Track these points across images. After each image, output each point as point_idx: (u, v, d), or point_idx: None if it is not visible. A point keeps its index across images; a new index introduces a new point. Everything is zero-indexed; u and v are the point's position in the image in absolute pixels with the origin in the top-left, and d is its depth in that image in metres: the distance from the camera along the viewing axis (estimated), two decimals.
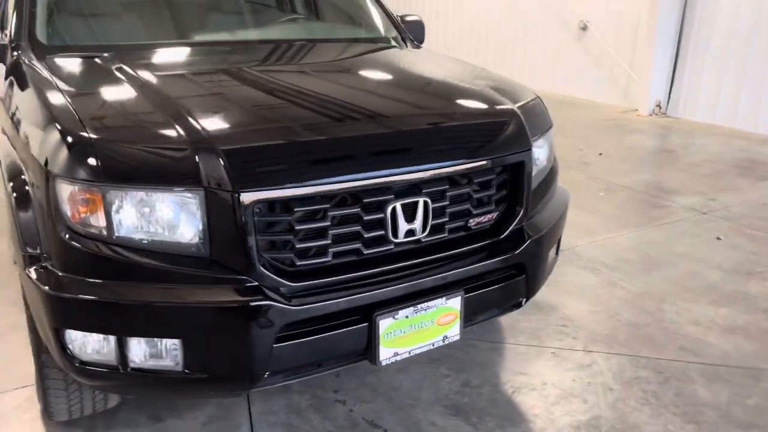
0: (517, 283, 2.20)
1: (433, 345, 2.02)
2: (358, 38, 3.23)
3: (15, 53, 2.44)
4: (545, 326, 3.03)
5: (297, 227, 1.77)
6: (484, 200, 2.12)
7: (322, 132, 1.93)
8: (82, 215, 1.69)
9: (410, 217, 1.91)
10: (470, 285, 2.06)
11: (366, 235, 1.87)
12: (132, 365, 1.75)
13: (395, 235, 1.90)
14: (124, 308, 1.69)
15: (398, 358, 1.95)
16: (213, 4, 3.03)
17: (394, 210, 1.87)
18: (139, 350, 1.74)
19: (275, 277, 1.74)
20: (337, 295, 1.82)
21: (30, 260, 1.79)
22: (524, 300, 2.28)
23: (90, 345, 1.75)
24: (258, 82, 2.39)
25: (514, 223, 2.17)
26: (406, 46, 3.22)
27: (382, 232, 1.88)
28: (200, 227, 1.71)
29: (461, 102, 2.32)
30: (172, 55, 2.62)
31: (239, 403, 2.44)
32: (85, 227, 1.70)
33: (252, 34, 3.00)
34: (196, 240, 1.71)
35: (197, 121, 1.79)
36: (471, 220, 2.09)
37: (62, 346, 1.76)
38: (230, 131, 1.83)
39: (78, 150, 1.70)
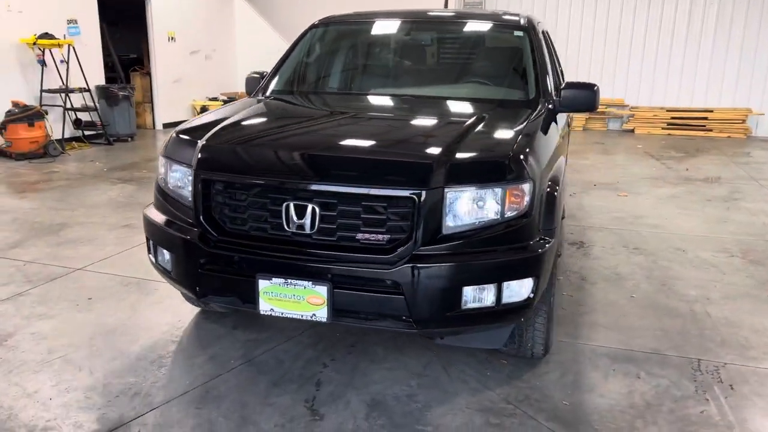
0: (394, 300, 2.56)
1: (302, 317, 2.65)
2: (493, 99, 3.69)
3: (258, 95, 4.06)
4: None
5: (227, 202, 2.77)
6: (372, 222, 2.59)
7: (266, 147, 2.84)
8: (162, 175, 3.10)
9: (300, 216, 2.63)
10: (340, 282, 2.59)
11: (269, 220, 2.70)
12: (154, 262, 3.07)
13: (288, 226, 2.66)
14: (153, 225, 3.02)
15: (274, 313, 2.68)
16: (393, 70, 4.07)
17: (288, 206, 2.64)
18: (161, 255, 3.04)
19: (209, 228, 2.78)
20: (238, 252, 2.72)
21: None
22: (411, 321, 2.59)
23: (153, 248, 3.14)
24: (328, 119, 3.38)
25: (402, 248, 2.55)
26: (541, 109, 3.47)
27: (280, 221, 2.67)
28: (191, 191, 2.89)
29: (403, 146, 2.85)
30: (313, 99, 3.86)
31: (343, 339, 3.46)
32: (162, 181, 3.10)
33: (406, 90, 3.89)
34: (190, 198, 2.90)
35: (218, 132, 2.98)
36: (359, 235, 2.61)
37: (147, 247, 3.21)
38: (218, 139, 2.92)
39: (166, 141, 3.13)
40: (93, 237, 5.19)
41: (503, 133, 3.00)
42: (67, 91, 9.23)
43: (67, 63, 9.28)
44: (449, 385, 3.04)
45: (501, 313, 2.70)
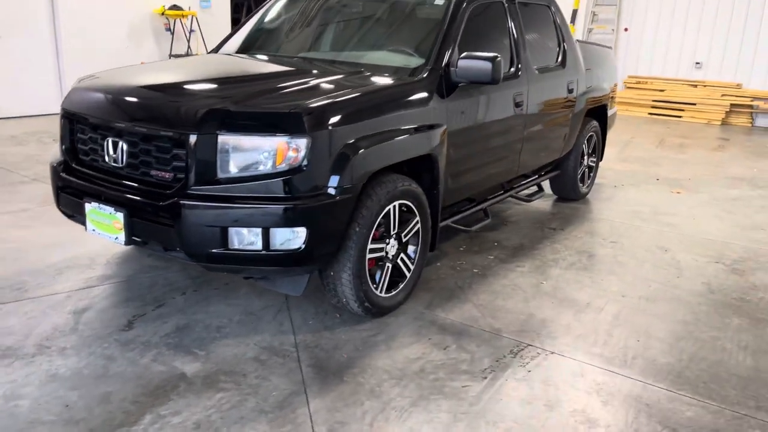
0: (169, 231, 2.88)
1: (111, 239, 3.08)
2: (375, 64, 3.75)
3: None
4: None
5: (79, 137, 3.27)
6: (162, 161, 2.92)
7: (100, 92, 3.23)
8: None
9: (114, 151, 3.06)
10: (133, 211, 2.96)
11: (100, 153, 3.16)
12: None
13: (107, 159, 3.10)
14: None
15: (96, 234, 3.14)
16: (311, 34, 4.26)
17: (107, 142, 3.08)
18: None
19: (68, 158, 3.31)
20: (77, 179, 3.21)
21: None
22: (185, 253, 2.89)
23: None
24: (188, 72, 3.75)
25: (178, 186, 2.86)
26: (417, 77, 3.51)
27: (104, 154, 3.12)
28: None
29: (199, 95, 3.18)
30: (222, 58, 4.20)
31: (224, 277, 3.93)
32: None
33: (313, 54, 4.08)
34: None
35: (91, 78, 3.48)
36: (153, 171, 2.96)
37: None
38: (83, 84, 3.40)
39: None
40: None
41: (311, 91, 3.13)
42: (189, 56, 10.50)
43: (190, 31, 10.55)
44: (265, 325, 3.28)
45: (272, 258, 2.88)
